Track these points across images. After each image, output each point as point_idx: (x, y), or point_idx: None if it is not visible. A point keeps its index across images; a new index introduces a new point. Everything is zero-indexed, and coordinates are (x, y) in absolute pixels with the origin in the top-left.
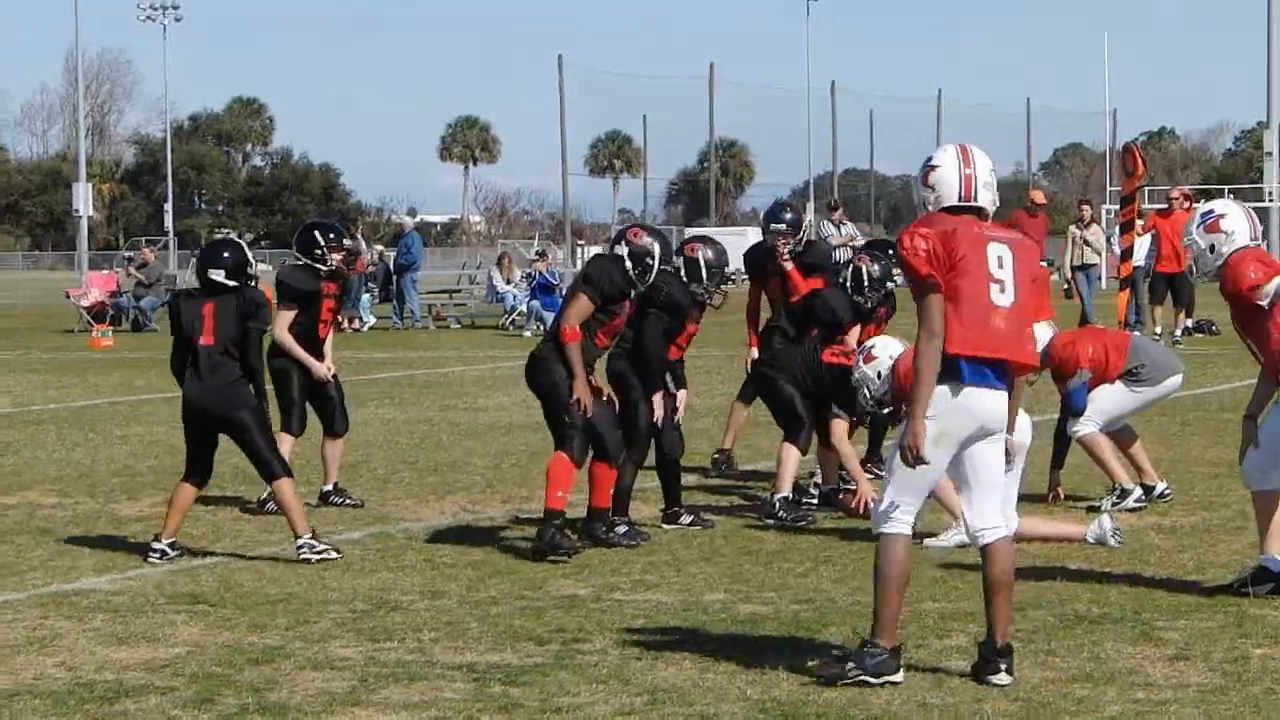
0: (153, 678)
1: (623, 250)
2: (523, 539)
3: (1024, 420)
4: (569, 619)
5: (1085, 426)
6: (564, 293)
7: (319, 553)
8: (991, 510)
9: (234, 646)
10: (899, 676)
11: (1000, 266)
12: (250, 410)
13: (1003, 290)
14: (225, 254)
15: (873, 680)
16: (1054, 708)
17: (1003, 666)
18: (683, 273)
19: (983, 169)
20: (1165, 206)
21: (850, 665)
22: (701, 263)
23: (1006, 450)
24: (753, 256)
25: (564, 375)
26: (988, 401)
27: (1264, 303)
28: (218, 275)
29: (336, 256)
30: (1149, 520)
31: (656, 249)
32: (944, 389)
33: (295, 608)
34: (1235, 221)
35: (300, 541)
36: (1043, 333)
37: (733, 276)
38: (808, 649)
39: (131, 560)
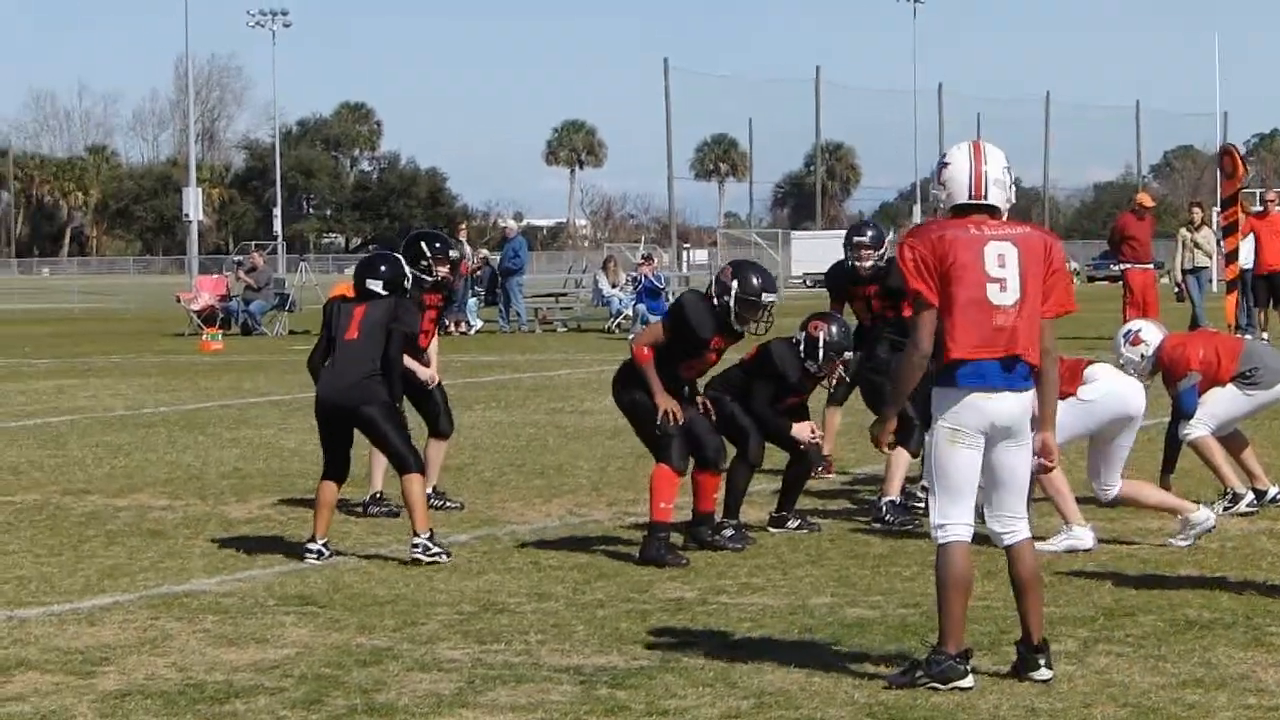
0: (262, 678)
1: (800, 336)
2: (629, 541)
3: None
4: (675, 622)
5: (1196, 429)
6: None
7: (431, 555)
8: (1012, 514)
9: (342, 648)
10: (967, 681)
11: (1001, 265)
12: (380, 405)
13: (1003, 289)
14: (383, 267)
15: (940, 686)
16: (1164, 713)
17: (1041, 662)
18: (801, 348)
19: (995, 166)
20: (1261, 209)
21: (919, 673)
22: (821, 343)
23: (1045, 448)
24: (834, 278)
25: (642, 391)
26: (995, 399)
27: None
28: (374, 285)
29: (443, 269)
30: (1260, 525)
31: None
32: (952, 390)
33: (403, 609)
34: None
35: (416, 540)
36: (1153, 335)
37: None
38: (914, 653)
39: (241, 562)
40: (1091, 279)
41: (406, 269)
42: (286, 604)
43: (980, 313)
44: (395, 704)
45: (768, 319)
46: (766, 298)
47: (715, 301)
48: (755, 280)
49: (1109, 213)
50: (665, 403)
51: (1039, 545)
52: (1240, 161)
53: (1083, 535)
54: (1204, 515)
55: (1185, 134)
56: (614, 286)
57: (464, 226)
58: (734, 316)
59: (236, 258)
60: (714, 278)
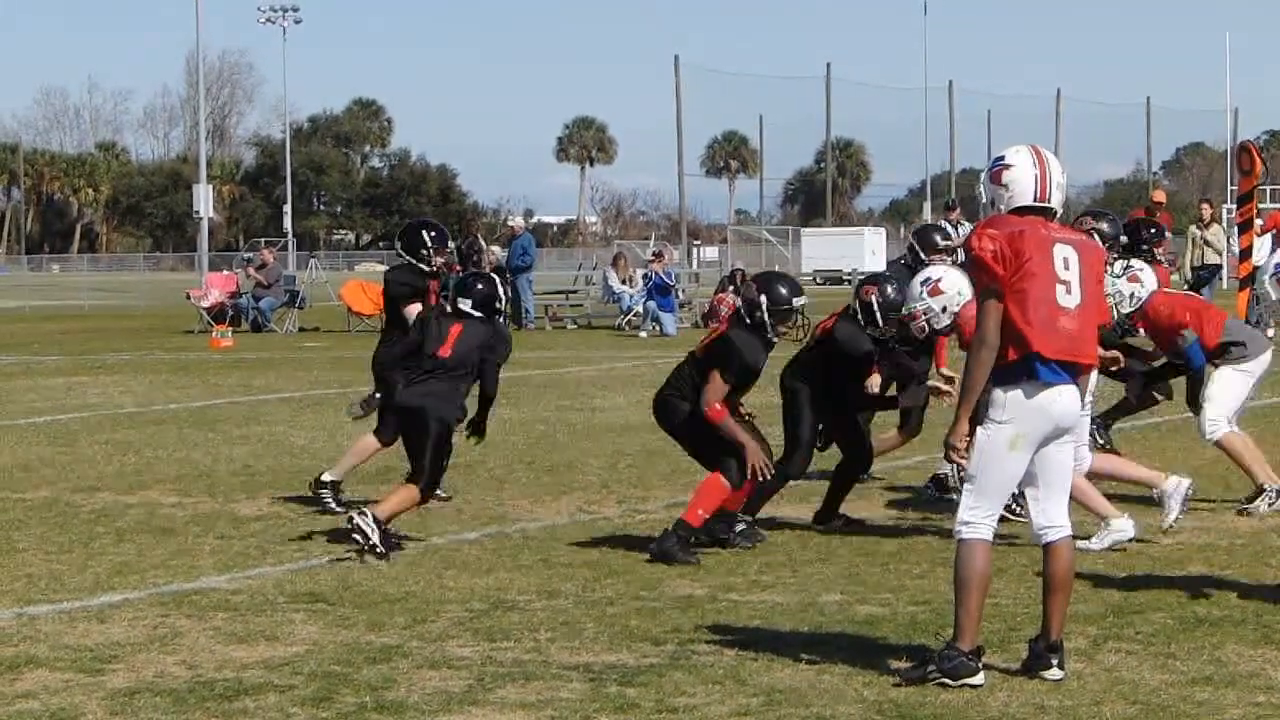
0: (271, 676)
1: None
2: (639, 539)
3: None
4: (685, 619)
5: (1219, 428)
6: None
7: (362, 537)
8: (1057, 511)
9: (352, 645)
10: (978, 679)
11: (1066, 268)
12: (445, 427)
13: (1069, 291)
14: (479, 286)
15: (950, 682)
16: (1174, 711)
17: (1054, 661)
18: (859, 317)
19: (1055, 170)
20: None
21: (931, 668)
22: (875, 306)
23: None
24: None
25: (687, 410)
26: (1062, 400)
27: None
28: (465, 304)
29: (439, 259)
30: (1270, 523)
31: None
32: (1018, 391)
33: (413, 607)
34: None
35: (365, 513)
36: (1149, 280)
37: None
38: (925, 651)
39: (251, 559)
40: None
41: (500, 290)
42: (296, 601)
43: (1050, 312)
44: (405, 701)
45: (804, 322)
46: (797, 302)
47: (750, 321)
48: (783, 289)
49: (1120, 209)
50: (755, 457)
51: (1081, 544)
52: (1259, 158)
53: (1124, 526)
54: (1126, 524)
55: (1196, 131)
56: (624, 283)
57: (475, 221)
58: (770, 330)
59: (246, 254)
60: (741, 296)
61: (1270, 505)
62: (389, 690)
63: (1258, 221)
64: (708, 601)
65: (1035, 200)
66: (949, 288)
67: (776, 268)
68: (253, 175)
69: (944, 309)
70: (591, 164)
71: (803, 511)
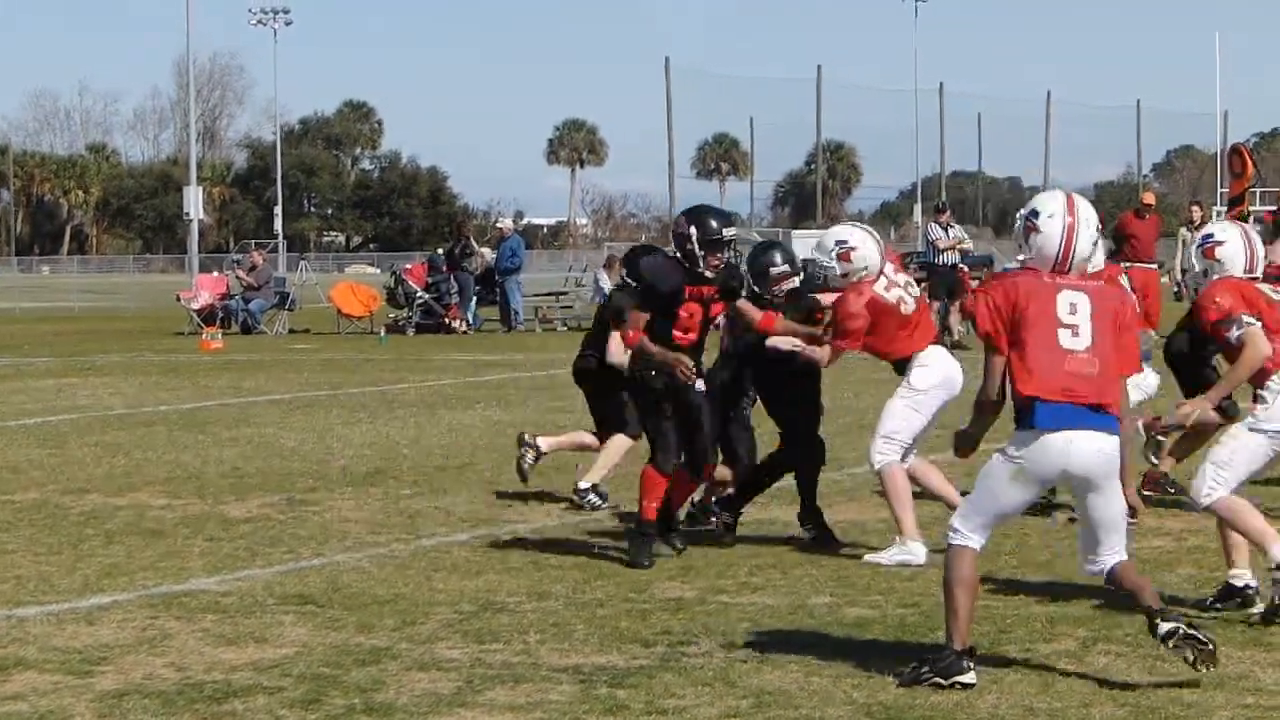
0: (260, 678)
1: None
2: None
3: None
4: (675, 621)
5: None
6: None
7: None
8: (1107, 547)
9: (341, 647)
10: (969, 677)
11: (1072, 312)
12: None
13: (1075, 334)
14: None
15: (942, 681)
16: (1163, 713)
17: (1169, 617)
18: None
19: (1084, 241)
20: (1277, 208)
21: (924, 669)
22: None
23: None
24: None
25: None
26: (1073, 448)
27: (1232, 335)
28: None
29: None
30: None
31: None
32: (1024, 433)
33: (402, 609)
34: (1232, 250)
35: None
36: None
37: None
38: (914, 653)
39: (240, 561)
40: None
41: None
42: (285, 603)
43: (1050, 356)
44: (394, 703)
45: (734, 257)
46: (728, 233)
47: (679, 254)
48: (713, 221)
49: (1110, 212)
50: (672, 359)
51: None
52: (1250, 160)
53: (916, 550)
54: (919, 550)
55: (1186, 133)
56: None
57: (466, 223)
58: (702, 261)
59: (237, 256)
60: (672, 232)
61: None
62: (378, 692)
63: (1250, 223)
64: (697, 603)
65: (1054, 268)
66: (859, 259)
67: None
68: (243, 177)
69: (844, 275)
70: (582, 166)
71: (793, 513)
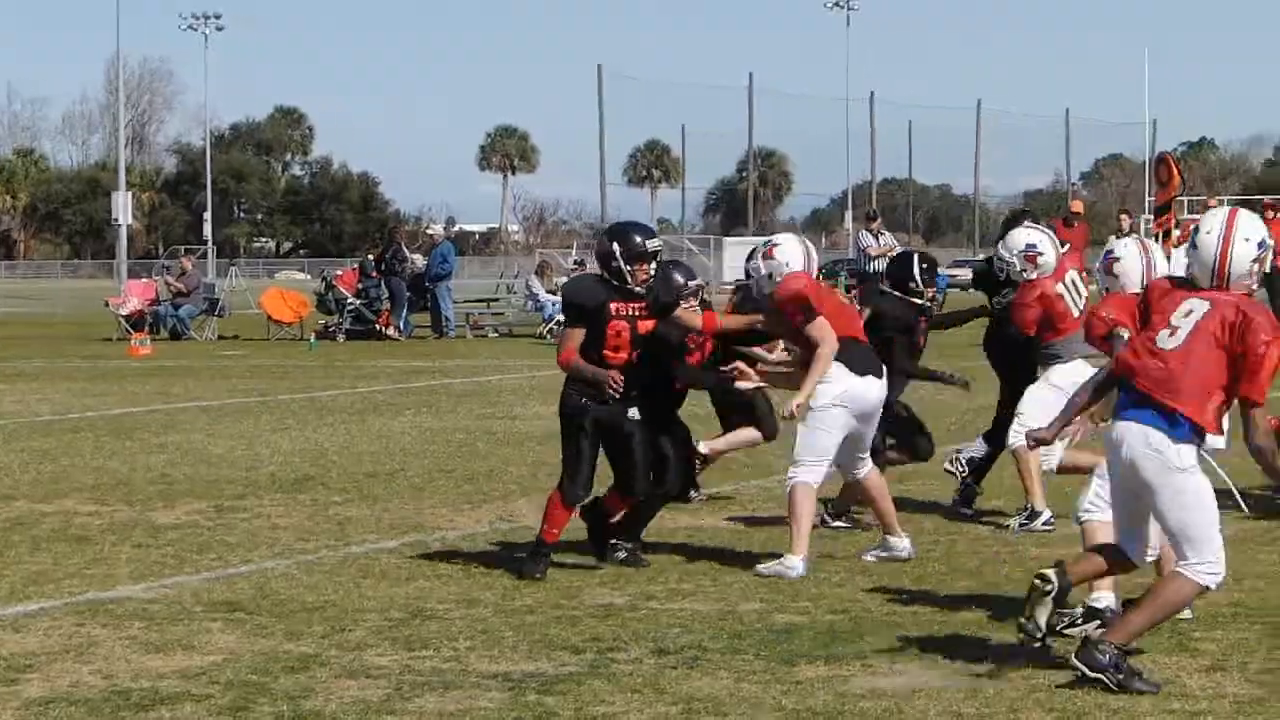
0: (188, 685)
1: None
2: (560, 549)
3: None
4: (604, 628)
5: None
6: None
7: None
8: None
9: (269, 654)
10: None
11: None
12: None
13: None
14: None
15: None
16: (1089, 718)
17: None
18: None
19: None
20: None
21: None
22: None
23: None
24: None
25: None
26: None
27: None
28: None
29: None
30: None
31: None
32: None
33: (331, 615)
34: (1129, 266)
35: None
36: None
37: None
38: (843, 659)
39: (168, 568)
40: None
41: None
42: (213, 610)
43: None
44: (323, 711)
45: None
46: (652, 245)
47: (605, 272)
48: (635, 235)
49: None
50: (605, 376)
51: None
52: (1176, 169)
53: (793, 564)
54: (904, 543)
55: (1115, 142)
56: (549, 292)
57: (399, 230)
58: (629, 277)
59: (166, 262)
60: (596, 254)
61: (1022, 527)
62: (306, 700)
63: (1175, 232)
64: (627, 610)
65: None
66: (781, 255)
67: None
68: (173, 183)
69: (770, 276)
70: (514, 172)
71: (725, 520)
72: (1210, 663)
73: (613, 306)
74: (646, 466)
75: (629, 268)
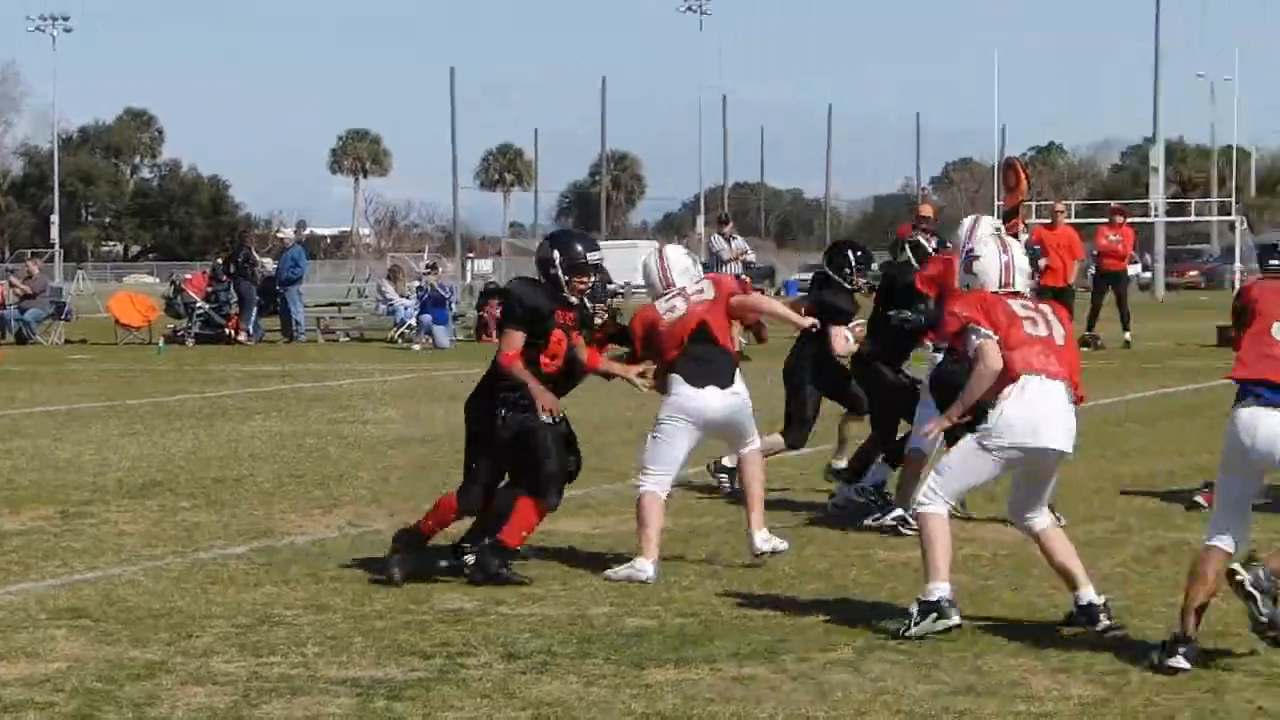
0: (31, 693)
1: None
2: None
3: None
4: (454, 633)
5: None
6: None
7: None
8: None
9: (115, 661)
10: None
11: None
12: None
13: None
14: None
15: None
16: None
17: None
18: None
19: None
20: (1050, 221)
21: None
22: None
23: None
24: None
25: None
26: None
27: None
28: None
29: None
30: None
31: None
32: None
33: (177, 622)
34: (988, 264)
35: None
36: None
37: (620, 290)
38: (692, 662)
39: (12, 575)
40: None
41: None
42: (58, 617)
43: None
44: (169, 718)
45: (607, 302)
46: (593, 257)
47: (544, 278)
48: (577, 245)
49: (889, 224)
50: (544, 398)
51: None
52: (1024, 174)
53: (643, 567)
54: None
55: (965, 147)
56: (402, 296)
57: (248, 234)
58: (566, 286)
59: (11, 265)
60: (536, 259)
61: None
62: (152, 707)
63: (1023, 236)
64: (477, 615)
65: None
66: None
67: None
68: (19, 185)
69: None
70: (366, 176)
71: (576, 525)
72: (1056, 664)
73: (558, 314)
74: (563, 475)
75: (567, 278)
